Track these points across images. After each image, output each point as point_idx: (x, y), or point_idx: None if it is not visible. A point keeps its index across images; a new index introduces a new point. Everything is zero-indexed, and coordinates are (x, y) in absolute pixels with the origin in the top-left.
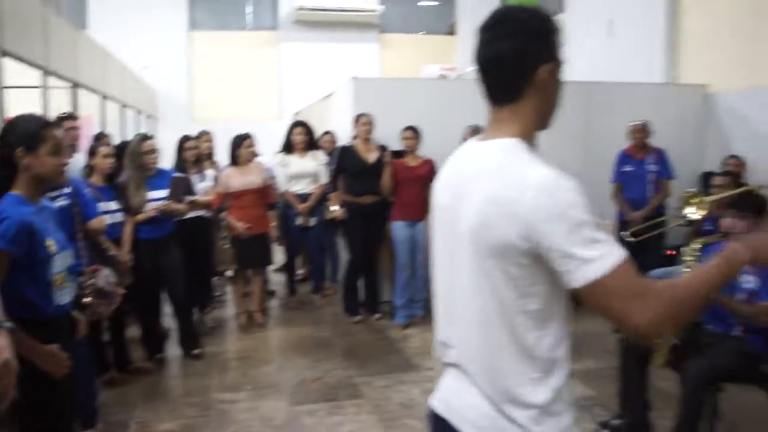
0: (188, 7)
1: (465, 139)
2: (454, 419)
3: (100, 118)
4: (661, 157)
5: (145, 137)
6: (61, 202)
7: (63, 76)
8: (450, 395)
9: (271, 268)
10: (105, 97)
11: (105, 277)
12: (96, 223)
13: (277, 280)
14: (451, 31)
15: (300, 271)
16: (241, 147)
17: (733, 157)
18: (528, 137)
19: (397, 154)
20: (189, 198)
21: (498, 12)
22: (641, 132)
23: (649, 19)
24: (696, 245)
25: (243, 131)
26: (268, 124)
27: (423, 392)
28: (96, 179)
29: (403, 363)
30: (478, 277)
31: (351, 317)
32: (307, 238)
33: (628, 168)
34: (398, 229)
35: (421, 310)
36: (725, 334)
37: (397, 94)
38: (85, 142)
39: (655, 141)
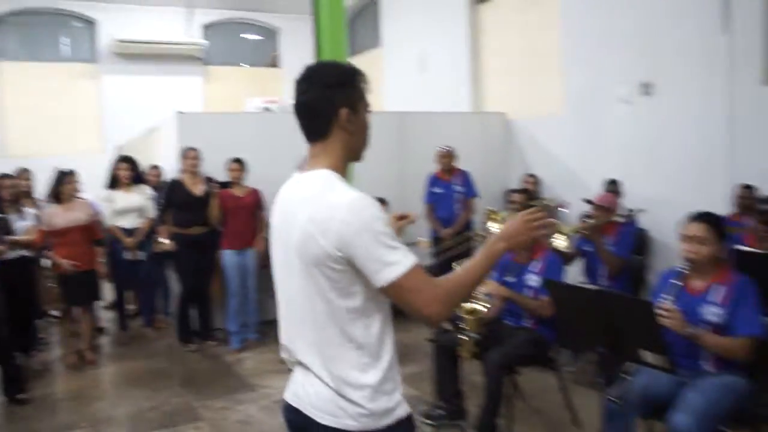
0: None
1: (300, 167)
2: (303, 407)
3: None
4: (465, 178)
5: None
6: None
7: None
8: (298, 388)
9: (100, 304)
10: None
11: None
12: None
13: (107, 317)
14: (273, 64)
15: (131, 306)
16: (64, 183)
17: (530, 176)
18: (339, 168)
19: (224, 185)
20: (8, 238)
21: (308, 67)
22: (447, 157)
23: (456, 56)
24: None
25: (63, 166)
26: (90, 157)
27: (261, 409)
28: None
29: (240, 384)
30: (307, 283)
31: (186, 346)
32: (137, 273)
33: (437, 189)
34: (228, 257)
35: (255, 334)
36: (518, 326)
37: (221, 127)
38: None
39: (464, 163)
